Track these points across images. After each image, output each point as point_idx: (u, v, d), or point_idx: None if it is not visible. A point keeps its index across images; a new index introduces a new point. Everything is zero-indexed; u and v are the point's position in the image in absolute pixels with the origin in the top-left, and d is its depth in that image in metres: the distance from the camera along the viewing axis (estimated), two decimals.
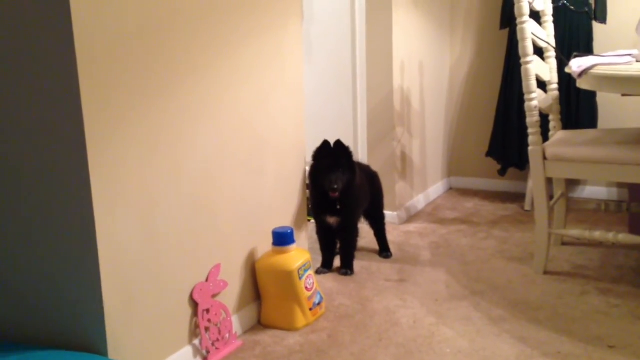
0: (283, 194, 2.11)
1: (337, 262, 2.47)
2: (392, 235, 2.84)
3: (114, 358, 1.44)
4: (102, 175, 1.38)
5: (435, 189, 3.52)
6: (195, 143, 1.66)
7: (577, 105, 3.09)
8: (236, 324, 1.89)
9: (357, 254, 2.52)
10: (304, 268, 1.95)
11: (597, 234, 2.21)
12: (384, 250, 2.62)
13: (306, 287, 1.95)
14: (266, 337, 1.90)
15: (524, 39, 2.18)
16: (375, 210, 2.59)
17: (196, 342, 1.73)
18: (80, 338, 1.45)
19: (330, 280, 2.32)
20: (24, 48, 1.35)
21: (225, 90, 1.77)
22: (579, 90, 2.98)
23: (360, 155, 3.22)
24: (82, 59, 1.30)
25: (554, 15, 2.53)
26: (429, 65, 3.31)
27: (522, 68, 2.21)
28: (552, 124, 2.54)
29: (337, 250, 2.49)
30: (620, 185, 3.27)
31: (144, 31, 1.46)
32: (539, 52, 2.48)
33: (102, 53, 1.36)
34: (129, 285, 1.48)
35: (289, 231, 1.95)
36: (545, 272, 2.32)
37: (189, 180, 1.65)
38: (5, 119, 1.42)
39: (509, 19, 3.24)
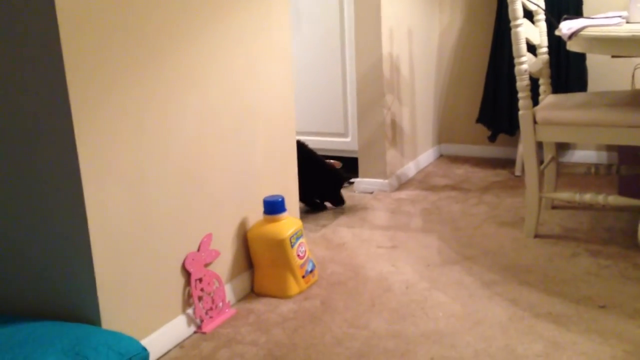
0: (273, 163, 2.09)
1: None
2: (383, 202, 2.84)
3: (107, 328, 1.44)
4: (89, 146, 1.36)
5: (426, 156, 3.52)
6: (184, 112, 1.65)
7: (566, 69, 3.08)
8: (229, 292, 1.90)
9: (347, 222, 2.54)
10: (296, 236, 1.95)
11: (587, 197, 2.22)
12: None
13: (298, 255, 1.96)
14: (259, 305, 1.90)
15: (513, 1, 2.15)
16: None
17: (189, 311, 1.73)
18: (73, 309, 1.45)
19: (322, 248, 2.33)
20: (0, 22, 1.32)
21: (213, 59, 1.74)
22: (569, 53, 2.97)
23: (350, 123, 3.21)
24: (64, 27, 1.28)
25: None
26: (418, 31, 3.28)
27: (512, 31, 2.19)
28: (542, 88, 2.53)
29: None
30: (609, 148, 3.28)
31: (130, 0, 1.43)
32: (529, 15, 2.46)
33: (86, 21, 1.33)
34: (120, 256, 1.48)
35: (280, 200, 1.95)
36: (536, 236, 2.33)
37: (178, 150, 1.64)
38: None
39: None
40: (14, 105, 1.37)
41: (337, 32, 3.12)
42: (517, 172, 3.20)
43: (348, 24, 3.08)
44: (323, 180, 2.75)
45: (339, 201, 2.80)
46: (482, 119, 3.34)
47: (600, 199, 2.19)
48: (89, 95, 1.35)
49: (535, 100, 2.27)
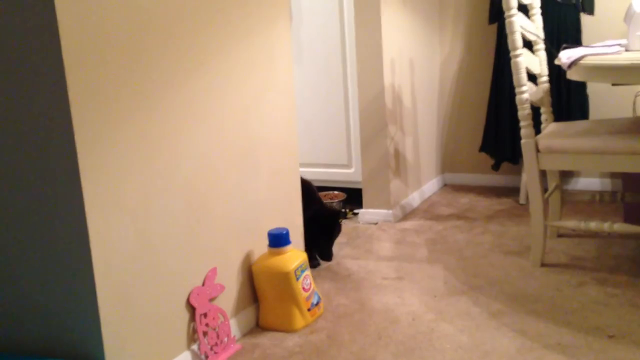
0: (278, 195, 2.10)
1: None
2: (388, 233, 2.84)
3: None
4: (93, 179, 1.37)
5: (430, 185, 3.52)
6: (189, 146, 1.66)
7: (567, 97, 3.09)
8: (234, 327, 1.88)
9: (352, 253, 2.52)
10: (301, 269, 1.94)
11: (593, 225, 2.21)
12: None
13: (303, 288, 1.95)
14: (265, 340, 1.89)
15: (512, 32, 2.18)
16: None
17: (194, 347, 1.72)
18: (77, 347, 1.44)
19: (327, 281, 2.32)
20: (7, 52, 1.34)
21: (219, 93, 1.76)
22: (569, 82, 2.99)
23: (353, 154, 3.22)
24: (69, 62, 1.29)
25: (541, 8, 2.53)
26: (419, 62, 3.31)
27: (512, 61, 2.21)
28: (543, 117, 2.54)
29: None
30: (613, 175, 3.28)
31: (139, 36, 1.45)
32: (528, 45, 2.48)
33: (92, 58, 1.35)
34: (124, 292, 1.47)
35: (284, 232, 1.94)
36: (543, 265, 2.32)
37: (183, 184, 1.65)
38: None
39: (497, 14, 3.25)
40: (17, 141, 1.39)
41: (339, 64, 3.15)
42: (522, 201, 3.20)
43: (350, 55, 3.12)
44: (321, 223, 2.42)
45: (329, 253, 2.47)
46: (485, 147, 3.35)
47: (606, 226, 2.18)
48: (95, 127, 1.37)
49: (537, 129, 2.28)
